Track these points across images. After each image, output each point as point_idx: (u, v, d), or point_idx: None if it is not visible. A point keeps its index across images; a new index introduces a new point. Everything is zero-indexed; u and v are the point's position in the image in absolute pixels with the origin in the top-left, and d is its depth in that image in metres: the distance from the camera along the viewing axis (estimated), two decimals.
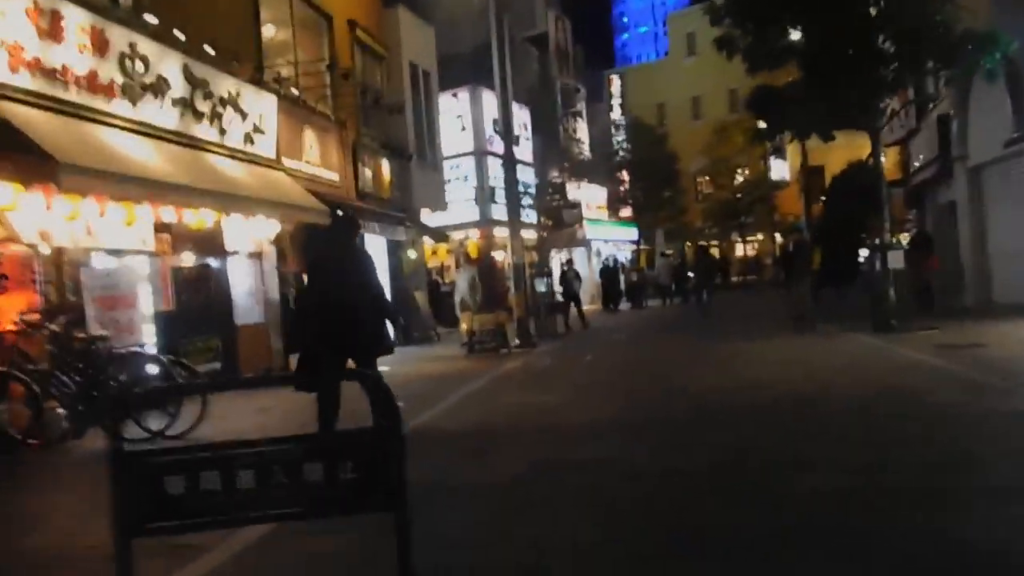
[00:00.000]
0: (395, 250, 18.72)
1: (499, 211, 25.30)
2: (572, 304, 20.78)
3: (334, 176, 16.64)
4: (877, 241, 13.07)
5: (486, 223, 25.49)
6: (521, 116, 27.06)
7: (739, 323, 18.15)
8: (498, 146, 26.85)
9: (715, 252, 40.11)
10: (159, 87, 10.49)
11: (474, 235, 25.66)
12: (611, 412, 7.84)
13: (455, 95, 25.86)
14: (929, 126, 17.90)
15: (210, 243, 11.55)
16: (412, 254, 20.33)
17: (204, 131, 11.59)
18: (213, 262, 11.61)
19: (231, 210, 11.25)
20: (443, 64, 24.27)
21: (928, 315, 13.36)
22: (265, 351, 12.79)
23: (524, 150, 27.52)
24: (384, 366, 13.97)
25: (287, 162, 14.57)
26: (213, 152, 11.80)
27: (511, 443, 6.74)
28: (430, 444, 7.00)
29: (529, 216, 24.62)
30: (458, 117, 26.08)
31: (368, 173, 18.35)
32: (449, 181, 25.83)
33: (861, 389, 8.07)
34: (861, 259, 17.51)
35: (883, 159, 15.04)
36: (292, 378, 7.06)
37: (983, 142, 15.51)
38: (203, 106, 11.51)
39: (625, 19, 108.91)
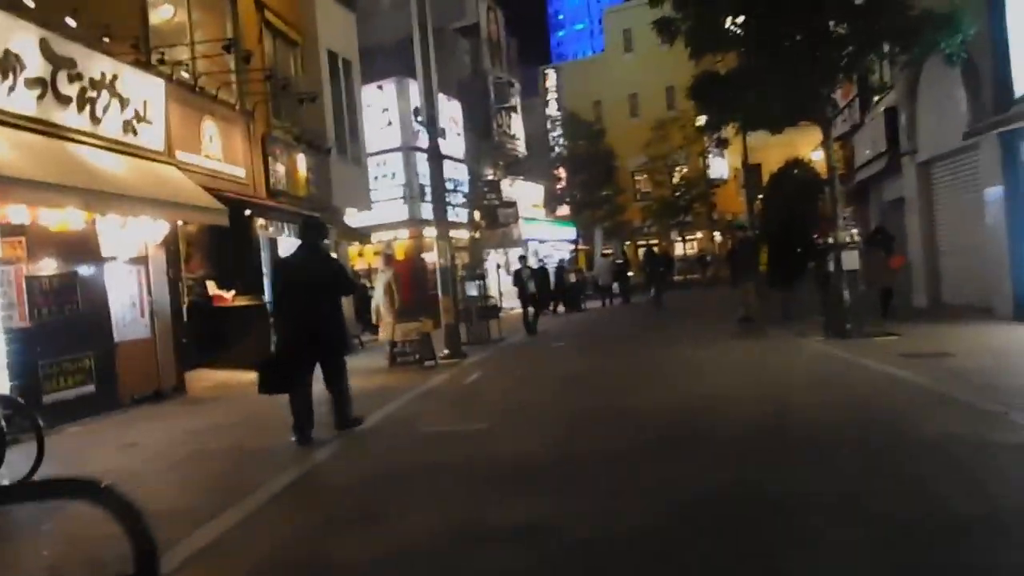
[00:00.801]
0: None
1: (429, 210, 23.90)
2: (528, 306, 19.59)
3: (239, 171, 15.05)
4: (830, 240, 12.11)
5: (415, 223, 24.09)
6: (450, 109, 25.72)
7: (684, 325, 17.15)
8: (426, 141, 25.58)
9: (655, 250, 39.27)
10: (8, 64, 8.85)
11: (403, 235, 24.25)
12: (547, 445, 6.54)
13: (380, 87, 24.40)
14: (875, 120, 17.14)
15: (80, 248, 9.92)
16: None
17: (71, 118, 9.95)
18: (84, 269, 9.98)
19: (105, 210, 9.67)
20: (368, 56, 22.82)
21: (884, 319, 12.45)
22: (152, 370, 11.17)
23: (455, 145, 26.20)
24: None
25: (181, 156, 12.95)
26: (83, 143, 10.17)
27: (420, 496, 5.40)
28: (314, 499, 5.66)
29: (460, 215, 23.24)
30: (384, 111, 24.60)
31: (280, 168, 16.80)
32: (376, 179, 24.38)
33: (834, 411, 6.94)
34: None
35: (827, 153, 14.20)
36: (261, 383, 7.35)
37: (933, 136, 14.75)
38: (69, 89, 9.86)
39: (561, 16, 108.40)
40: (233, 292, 14.67)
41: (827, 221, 17.03)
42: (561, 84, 37.14)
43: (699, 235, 44.48)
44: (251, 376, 14.34)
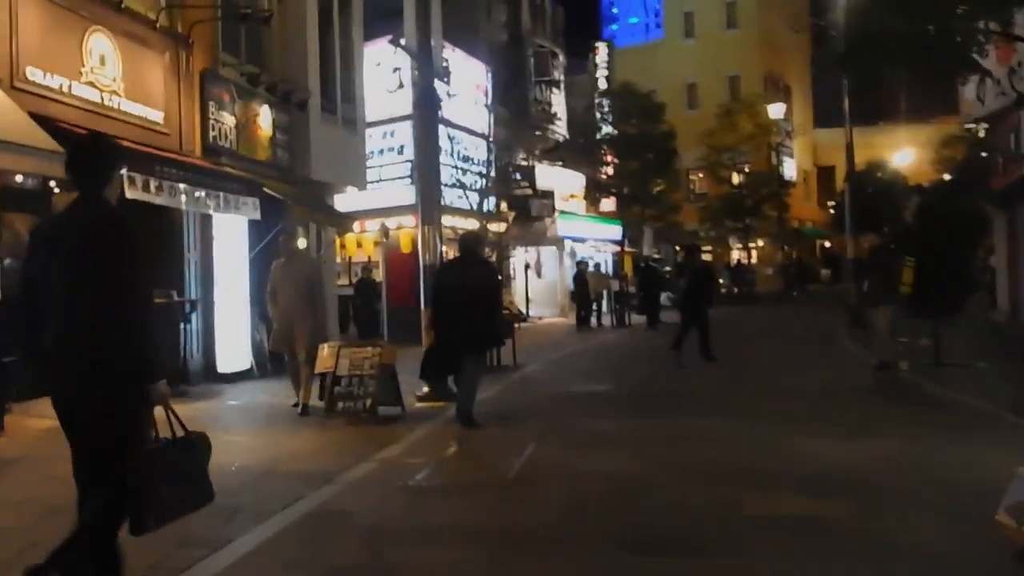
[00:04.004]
0: (264, 235, 12.51)
1: (447, 194, 19.42)
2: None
3: (153, 114, 10.62)
4: None
5: None
6: (472, 71, 21.26)
7: (787, 366, 12.21)
8: (449, 112, 21.01)
9: (708, 257, 34.31)
10: None
11: (408, 223, 19.68)
12: None
13: (391, 42, 19.82)
14: None
15: None
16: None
17: None
18: None
19: None
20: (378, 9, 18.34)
21: None
22: None
23: (474, 115, 21.64)
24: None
25: (35, 74, 8.57)
26: None
27: None
28: None
29: (471, 200, 18.63)
30: (395, 71, 20.07)
31: (228, 120, 12.34)
32: (381, 152, 19.93)
33: None
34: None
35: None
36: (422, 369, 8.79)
37: None
38: None
39: (615, 9, 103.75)
40: None
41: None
42: (613, 62, 32.27)
43: (760, 243, 39.28)
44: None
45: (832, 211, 39.44)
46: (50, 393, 3.23)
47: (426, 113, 10.17)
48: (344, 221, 15.18)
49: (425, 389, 9.74)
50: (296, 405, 8.72)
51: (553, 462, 6.36)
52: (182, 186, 8.71)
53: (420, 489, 5.78)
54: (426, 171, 10.13)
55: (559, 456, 6.57)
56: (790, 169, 38.72)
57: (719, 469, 5.88)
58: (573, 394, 10.20)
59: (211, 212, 9.91)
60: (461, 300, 7.78)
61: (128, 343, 3.13)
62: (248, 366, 11.94)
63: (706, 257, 38.26)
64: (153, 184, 8.30)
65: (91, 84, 9.45)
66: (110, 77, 9.78)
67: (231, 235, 12.04)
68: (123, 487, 3.20)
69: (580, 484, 5.66)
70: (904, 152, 36.95)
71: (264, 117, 13.50)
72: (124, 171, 7.99)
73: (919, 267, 9.71)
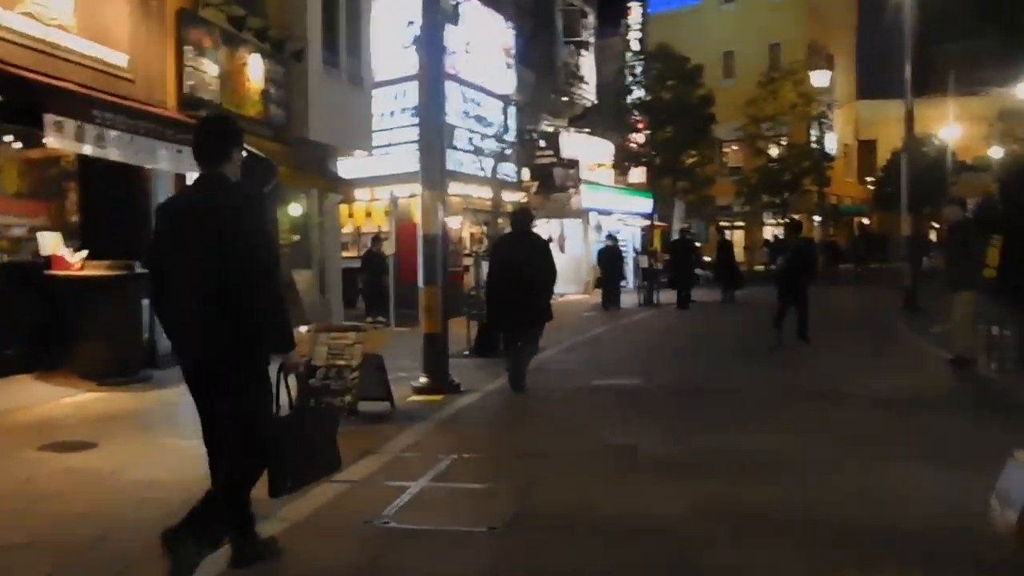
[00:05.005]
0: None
1: (458, 160, 17.91)
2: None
3: (114, 56, 9.17)
4: None
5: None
6: (494, 27, 19.65)
7: (844, 363, 10.57)
8: (466, 71, 19.44)
9: (734, 236, 32.86)
10: None
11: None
12: None
13: None
14: None
15: None
16: (296, 209, 12.91)
17: None
18: None
19: None
20: None
21: None
22: None
23: (493, 74, 20.06)
24: None
25: None
26: None
27: None
28: None
29: (485, 167, 17.04)
30: (408, 24, 18.46)
31: (209, 68, 10.88)
32: (392, 114, 18.41)
33: None
34: None
35: None
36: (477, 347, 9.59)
37: None
38: None
39: None
40: (83, 254, 8.85)
41: None
42: (646, 24, 30.31)
43: (797, 219, 37.25)
44: (99, 396, 8.50)
45: (873, 187, 37.35)
46: (180, 359, 3.46)
47: (429, 57, 8.61)
48: (344, 187, 13.70)
49: (423, 380, 8.34)
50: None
51: (562, 496, 4.83)
52: (128, 136, 7.25)
53: (386, 533, 4.29)
54: (428, 126, 8.61)
55: (571, 487, 5.04)
56: (831, 142, 36.59)
57: (791, 519, 4.32)
58: (596, 389, 8.70)
59: (164, 168, 8.45)
60: (515, 276, 7.88)
61: (257, 314, 3.27)
62: None
63: (738, 234, 36.54)
64: (91, 133, 6.85)
65: (30, 15, 8.01)
66: (56, 9, 8.34)
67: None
68: (254, 451, 3.40)
69: (595, 537, 4.14)
70: (952, 126, 34.79)
71: (253, 67, 12.05)
72: (58, 118, 6.56)
73: (1006, 247, 8.05)
